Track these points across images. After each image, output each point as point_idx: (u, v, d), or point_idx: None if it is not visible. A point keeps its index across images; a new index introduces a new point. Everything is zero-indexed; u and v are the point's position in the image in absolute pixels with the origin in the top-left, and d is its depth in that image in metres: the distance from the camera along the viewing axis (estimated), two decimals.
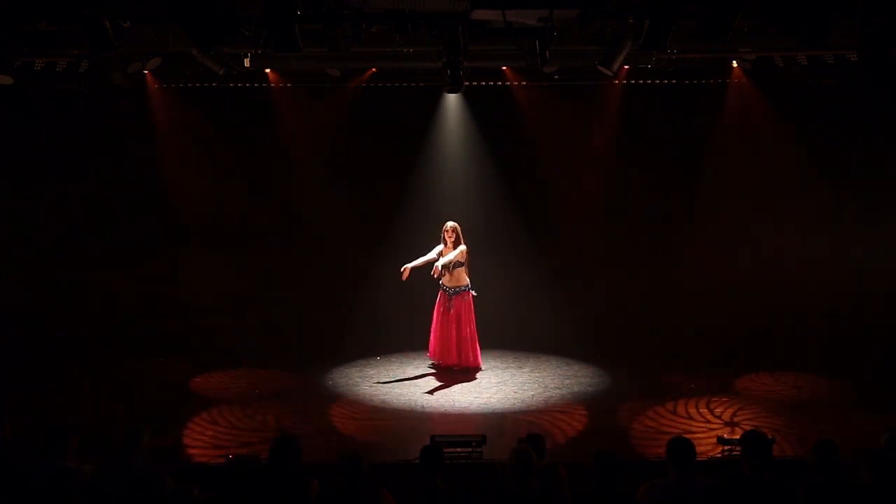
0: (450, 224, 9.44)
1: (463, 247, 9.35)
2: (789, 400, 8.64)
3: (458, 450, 6.23)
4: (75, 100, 10.15)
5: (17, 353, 9.70)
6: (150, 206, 10.83)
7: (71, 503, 4.72)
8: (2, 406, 7.74)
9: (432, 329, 9.60)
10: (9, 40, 7.75)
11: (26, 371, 9.36)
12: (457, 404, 8.34)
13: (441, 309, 9.50)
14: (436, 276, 9.27)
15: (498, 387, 8.94)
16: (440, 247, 9.45)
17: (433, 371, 9.51)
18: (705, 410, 8.15)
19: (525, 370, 9.60)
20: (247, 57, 9.19)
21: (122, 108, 10.48)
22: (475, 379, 9.21)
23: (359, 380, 9.28)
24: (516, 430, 7.19)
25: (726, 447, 6.47)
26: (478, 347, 9.57)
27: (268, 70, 10.14)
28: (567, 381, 9.16)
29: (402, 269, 9.28)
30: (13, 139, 10.33)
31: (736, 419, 7.88)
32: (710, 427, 7.66)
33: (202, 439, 7.39)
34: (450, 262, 9.30)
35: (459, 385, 8.98)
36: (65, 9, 7.14)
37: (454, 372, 9.38)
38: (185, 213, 10.89)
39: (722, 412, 8.10)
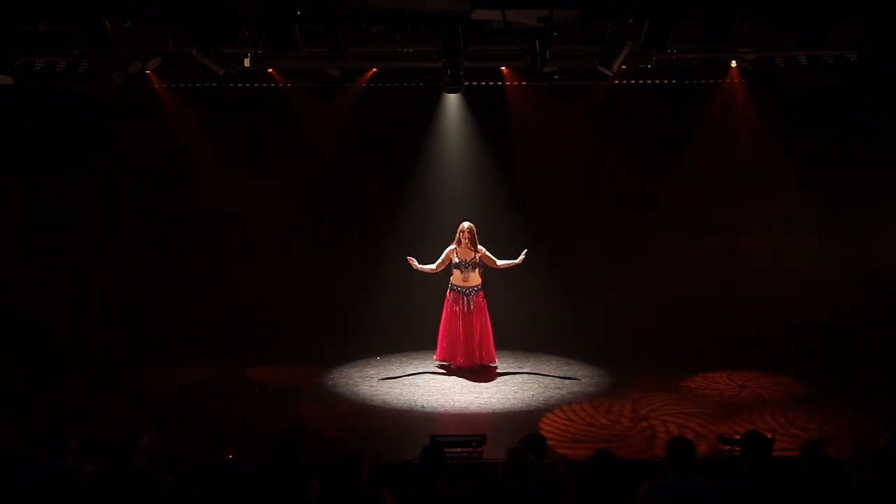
0: (466, 224, 9.40)
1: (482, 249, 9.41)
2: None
3: (458, 450, 6.22)
4: (75, 100, 10.15)
5: (17, 352, 9.71)
6: (150, 205, 10.83)
7: (71, 503, 4.73)
8: (2, 407, 7.75)
9: (446, 334, 9.52)
10: (9, 40, 7.75)
11: (26, 371, 9.37)
12: (457, 404, 8.34)
13: (459, 311, 9.44)
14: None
15: (498, 387, 8.93)
16: (450, 247, 9.45)
17: (433, 371, 9.50)
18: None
19: (525, 370, 9.60)
20: (247, 57, 9.19)
21: (121, 108, 10.48)
22: (494, 379, 9.21)
23: (359, 380, 9.28)
24: (516, 430, 7.19)
25: (726, 447, 6.46)
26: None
27: (268, 70, 10.13)
28: (567, 381, 9.15)
29: (409, 259, 9.33)
30: (13, 139, 10.33)
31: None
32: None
33: (202, 440, 7.39)
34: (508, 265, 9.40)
35: (459, 385, 8.98)
36: (65, 9, 7.14)
37: (471, 371, 9.37)
38: (184, 213, 10.89)
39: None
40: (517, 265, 9.39)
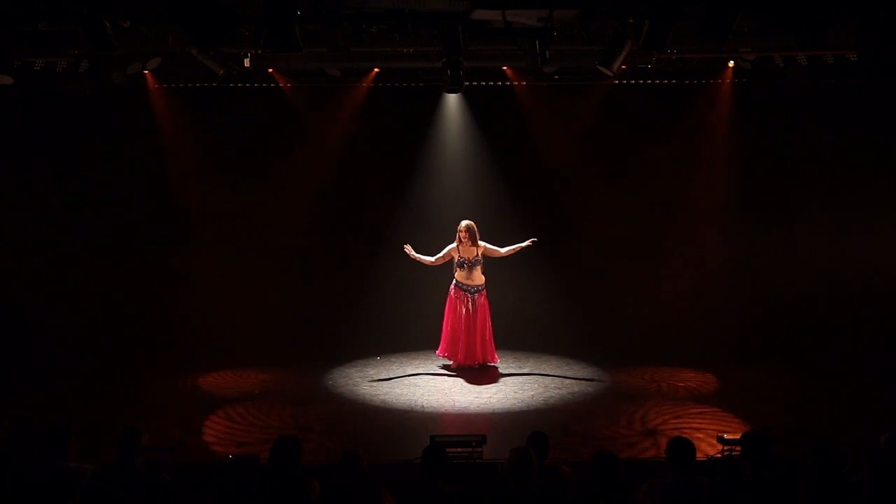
0: (464, 223, 9.38)
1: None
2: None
3: (458, 450, 6.23)
4: (75, 100, 10.14)
5: (17, 353, 9.71)
6: (150, 206, 10.83)
7: (71, 503, 4.73)
8: (2, 407, 7.73)
9: (450, 330, 9.52)
10: (9, 40, 7.74)
11: (26, 371, 9.37)
12: (457, 404, 8.34)
13: (462, 309, 9.43)
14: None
15: (498, 387, 8.93)
16: (451, 246, 9.44)
17: (433, 371, 9.50)
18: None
19: (525, 370, 9.60)
20: (247, 57, 9.20)
21: (122, 108, 10.48)
22: (494, 379, 9.20)
23: (359, 380, 9.28)
24: (516, 430, 7.18)
25: (726, 447, 6.46)
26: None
27: (269, 70, 10.14)
28: (567, 381, 9.15)
29: (406, 248, 9.32)
30: (13, 139, 10.33)
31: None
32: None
33: (202, 440, 7.38)
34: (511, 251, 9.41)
35: (459, 385, 8.98)
36: (65, 9, 7.14)
37: (473, 370, 9.38)
38: (184, 212, 10.90)
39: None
40: (522, 248, 9.34)
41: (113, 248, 10.65)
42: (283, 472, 4.65)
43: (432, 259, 9.46)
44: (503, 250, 9.45)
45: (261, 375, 9.56)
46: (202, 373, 9.59)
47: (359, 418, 8.01)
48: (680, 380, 9.23)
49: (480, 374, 9.34)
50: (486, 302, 9.53)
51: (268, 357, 10.10)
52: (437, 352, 9.66)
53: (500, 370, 9.50)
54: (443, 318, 9.61)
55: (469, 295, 9.45)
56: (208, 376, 9.50)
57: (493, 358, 9.60)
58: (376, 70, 10.24)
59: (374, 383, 9.11)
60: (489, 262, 9.58)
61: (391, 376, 9.35)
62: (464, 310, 9.44)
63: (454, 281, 9.51)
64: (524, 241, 9.33)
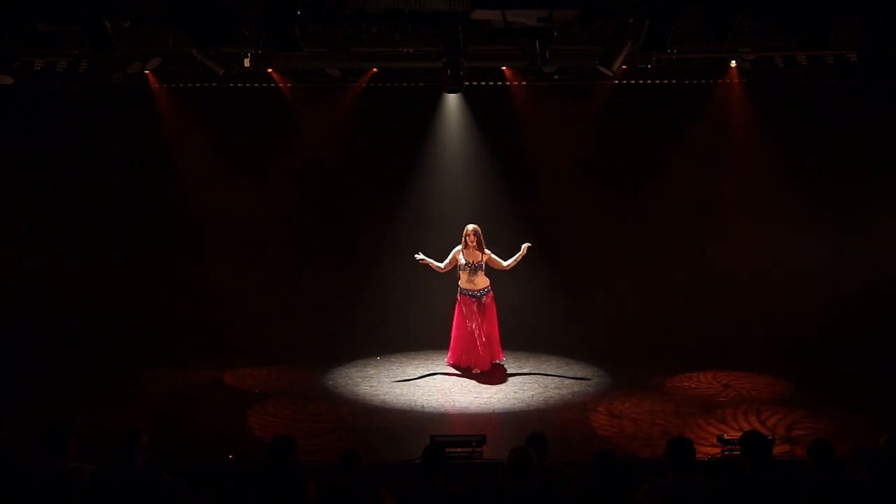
0: (470, 227, 9.35)
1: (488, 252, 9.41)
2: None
3: (458, 450, 6.23)
4: (75, 100, 10.14)
5: (17, 353, 9.71)
6: (150, 205, 10.82)
7: (71, 503, 4.72)
8: (2, 407, 7.74)
9: (458, 338, 9.47)
10: (9, 40, 7.74)
11: (26, 371, 9.38)
12: (457, 404, 8.34)
13: (470, 314, 9.39)
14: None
15: (498, 387, 8.94)
16: (457, 248, 9.43)
17: (433, 371, 9.50)
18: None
19: (525, 370, 9.60)
20: (247, 57, 9.20)
21: (122, 108, 10.48)
22: (497, 379, 9.19)
23: (359, 380, 9.28)
24: (516, 430, 7.19)
25: (726, 447, 6.46)
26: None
27: (268, 70, 10.14)
28: (567, 381, 9.16)
29: (419, 257, 9.32)
30: (13, 139, 10.33)
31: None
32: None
33: (201, 440, 7.39)
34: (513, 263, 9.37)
35: (459, 385, 8.98)
36: (65, 9, 7.14)
37: (487, 373, 9.35)
38: (184, 212, 10.89)
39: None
40: (522, 256, 9.32)
41: (113, 248, 10.65)
42: (280, 472, 4.64)
43: (441, 265, 9.44)
44: (506, 263, 9.38)
45: (261, 375, 9.57)
46: (202, 372, 9.59)
47: (359, 418, 8.01)
48: (672, 380, 9.23)
49: (485, 373, 9.33)
50: (493, 302, 9.49)
51: (267, 357, 10.10)
52: (447, 360, 9.61)
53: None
54: (451, 327, 9.56)
55: (475, 300, 9.42)
56: (208, 376, 9.49)
57: (499, 356, 9.59)
58: (374, 70, 10.24)
59: (374, 383, 9.11)
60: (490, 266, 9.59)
61: (392, 377, 9.34)
62: (473, 323, 9.39)
63: (459, 288, 9.47)
64: (521, 249, 9.27)
